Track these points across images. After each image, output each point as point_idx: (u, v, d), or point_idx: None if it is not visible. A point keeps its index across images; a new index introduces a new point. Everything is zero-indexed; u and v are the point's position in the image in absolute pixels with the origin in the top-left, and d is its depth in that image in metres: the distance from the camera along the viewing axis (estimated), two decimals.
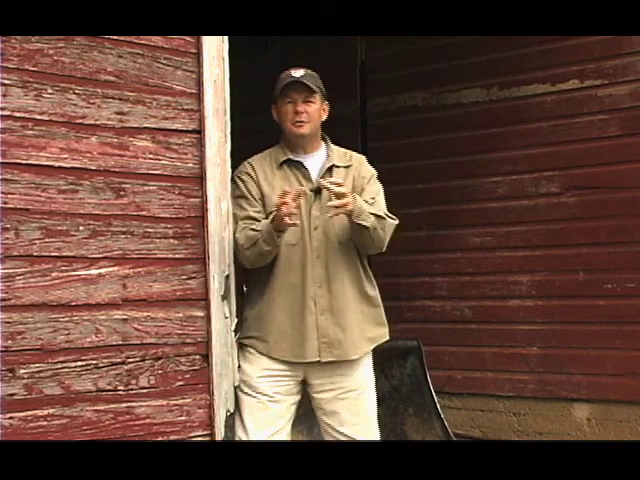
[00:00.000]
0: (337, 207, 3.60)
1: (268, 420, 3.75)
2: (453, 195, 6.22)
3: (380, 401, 5.58)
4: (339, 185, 3.61)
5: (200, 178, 3.66)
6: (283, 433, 3.79)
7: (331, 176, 3.76)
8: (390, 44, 6.23)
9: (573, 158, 5.71)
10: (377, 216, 3.71)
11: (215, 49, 3.69)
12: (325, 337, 3.73)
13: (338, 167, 3.84)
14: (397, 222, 3.84)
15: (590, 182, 5.66)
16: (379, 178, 3.93)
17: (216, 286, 3.68)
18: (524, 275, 5.94)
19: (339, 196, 3.59)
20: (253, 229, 3.68)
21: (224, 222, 3.71)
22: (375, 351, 3.91)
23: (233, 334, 3.74)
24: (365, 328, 3.82)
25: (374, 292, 3.88)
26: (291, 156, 3.82)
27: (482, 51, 5.94)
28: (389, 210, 3.86)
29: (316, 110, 3.80)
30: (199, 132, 3.67)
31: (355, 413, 3.82)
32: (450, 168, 6.21)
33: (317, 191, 3.77)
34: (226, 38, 3.71)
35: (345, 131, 5.63)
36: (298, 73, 3.78)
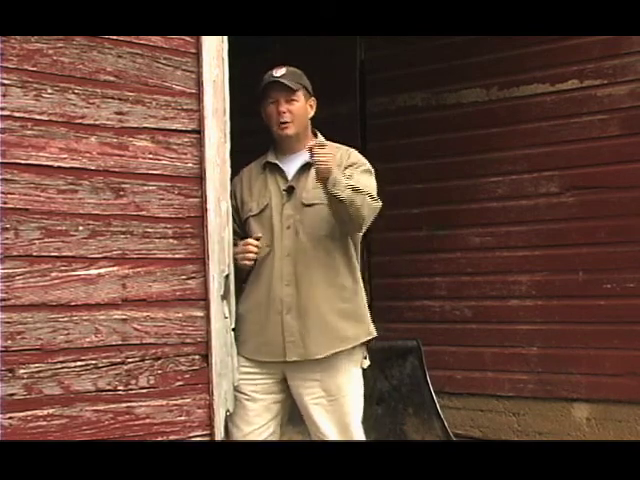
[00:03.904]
0: (319, 161, 3.50)
1: (243, 418, 3.75)
2: (453, 195, 6.22)
3: (380, 401, 5.59)
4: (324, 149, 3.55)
5: (200, 178, 3.66)
6: (263, 432, 3.76)
7: (306, 173, 3.73)
8: (390, 44, 6.23)
9: (573, 158, 5.71)
10: (355, 189, 3.57)
11: (215, 49, 3.68)
12: (291, 336, 3.69)
13: None
14: (379, 205, 3.71)
15: (590, 182, 5.66)
16: (379, 178, 3.86)
17: (216, 286, 3.67)
18: (524, 275, 5.94)
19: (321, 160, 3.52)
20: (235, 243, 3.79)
21: (224, 222, 3.71)
22: (374, 351, 3.90)
23: (233, 334, 3.75)
24: (340, 327, 3.71)
25: (353, 289, 3.78)
26: (270, 159, 3.84)
27: (482, 51, 5.94)
28: (384, 209, 3.82)
29: (300, 108, 3.77)
30: (199, 132, 3.66)
31: (328, 419, 3.74)
32: (450, 168, 6.20)
33: (290, 190, 3.77)
34: (226, 38, 3.71)
35: (344, 131, 5.62)
36: (279, 72, 3.76)
